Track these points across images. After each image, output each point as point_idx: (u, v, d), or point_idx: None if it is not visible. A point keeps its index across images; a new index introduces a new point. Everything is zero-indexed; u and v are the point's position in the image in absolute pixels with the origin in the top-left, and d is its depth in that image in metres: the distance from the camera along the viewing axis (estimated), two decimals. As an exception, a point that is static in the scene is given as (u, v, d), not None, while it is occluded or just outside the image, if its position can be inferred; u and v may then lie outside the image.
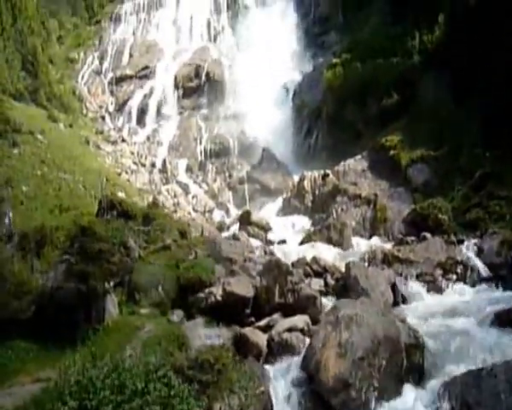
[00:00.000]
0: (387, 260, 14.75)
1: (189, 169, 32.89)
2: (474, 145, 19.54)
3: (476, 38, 20.88)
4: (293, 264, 13.92)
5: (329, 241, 18.71)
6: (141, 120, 38.71)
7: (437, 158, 20.95)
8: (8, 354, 8.67)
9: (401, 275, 13.76)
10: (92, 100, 40.19)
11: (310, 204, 24.01)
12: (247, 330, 11.01)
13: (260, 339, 10.73)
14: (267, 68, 37.38)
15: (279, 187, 27.89)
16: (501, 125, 18.21)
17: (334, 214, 21.48)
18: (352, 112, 28.96)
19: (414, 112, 24.38)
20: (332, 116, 30.37)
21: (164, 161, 32.82)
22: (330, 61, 33.32)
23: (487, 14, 19.91)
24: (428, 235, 15.79)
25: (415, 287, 13.13)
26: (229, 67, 39.78)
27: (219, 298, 11.85)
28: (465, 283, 13.32)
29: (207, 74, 39.43)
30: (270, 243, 20.19)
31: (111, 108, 40.52)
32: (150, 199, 26.63)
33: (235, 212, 27.17)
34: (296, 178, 26.85)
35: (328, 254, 17.14)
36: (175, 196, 28.68)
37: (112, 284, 11.32)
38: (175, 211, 24.83)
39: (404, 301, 12.77)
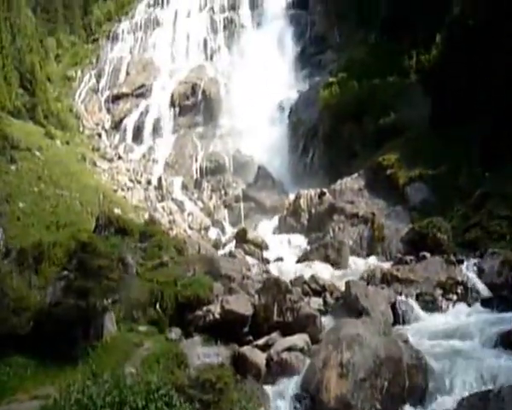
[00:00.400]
0: (387, 279, 14.71)
1: (184, 187, 32.95)
2: (473, 164, 19.70)
3: (474, 58, 21.21)
4: (291, 282, 13.86)
5: (327, 260, 18.69)
6: (137, 138, 38.89)
7: (435, 177, 21.07)
8: (6, 371, 8.55)
9: (401, 295, 13.72)
10: (89, 117, 40.39)
11: (306, 223, 24.01)
12: (246, 349, 10.92)
13: (259, 358, 10.63)
14: (263, 87, 37.71)
15: (275, 205, 27.93)
16: (500, 145, 18.42)
17: (331, 233, 21.49)
18: (348, 131, 29.19)
19: (411, 131, 24.63)
20: (328, 135, 30.61)
21: (159, 179, 32.87)
22: (327, 80, 33.69)
23: (485, 36, 20.24)
24: (428, 254, 15.75)
25: (415, 307, 13.08)
26: (225, 85, 40.18)
27: (218, 316, 11.78)
28: (466, 303, 13.27)
29: (203, 92, 39.80)
30: (267, 261, 20.14)
31: (107, 126, 40.71)
32: (146, 216, 26.62)
33: (230, 230, 27.15)
34: (292, 196, 26.90)
35: (325, 272, 17.13)
36: (170, 213, 28.66)
37: (109, 300, 11.22)
38: (170, 228, 24.77)
39: (404, 321, 12.72)
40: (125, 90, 42.89)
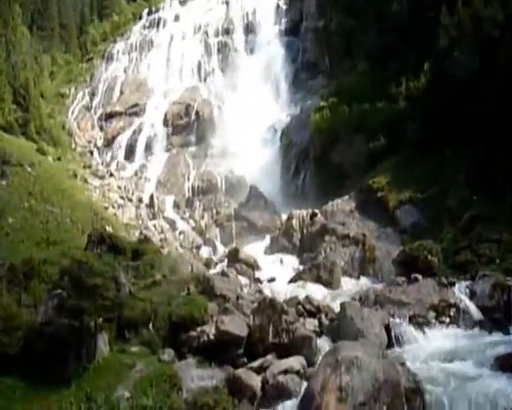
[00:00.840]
0: (379, 300, 14.51)
1: (176, 205, 32.63)
2: (461, 188, 19.83)
3: (460, 89, 21.57)
4: (285, 303, 13.57)
5: (319, 280, 18.46)
6: (129, 156, 38.64)
7: (425, 200, 21.17)
8: (-7, 393, 8.07)
9: (394, 317, 13.53)
10: (81, 135, 40.08)
11: (298, 243, 23.83)
12: (241, 372, 10.59)
13: (254, 381, 10.31)
14: (256, 109, 37.97)
15: (266, 225, 27.73)
16: (488, 170, 18.59)
17: (323, 254, 21.31)
18: (339, 153, 29.39)
19: (401, 155, 24.81)
20: (319, 157, 30.76)
21: (151, 197, 32.53)
22: (318, 104, 34.00)
23: (474, 66, 20.61)
24: (419, 276, 15.65)
25: (408, 329, 12.88)
26: (218, 106, 40.33)
27: (212, 337, 11.44)
28: (458, 326, 13.15)
29: (197, 113, 39.86)
30: (259, 281, 19.83)
31: (99, 143, 40.43)
32: (137, 234, 26.20)
33: (222, 249, 26.82)
34: (284, 216, 26.79)
35: (318, 293, 16.90)
36: (162, 231, 28.26)
37: (101, 320, 10.82)
38: (162, 247, 24.34)
39: (399, 343, 12.50)
40: (118, 108, 42.77)
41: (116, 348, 10.84)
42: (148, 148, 38.56)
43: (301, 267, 20.66)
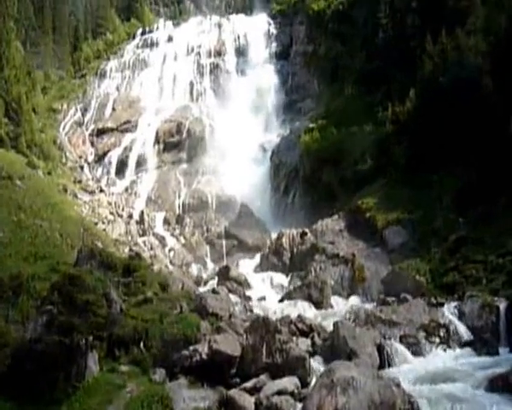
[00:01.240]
0: (370, 320, 14.31)
1: (166, 222, 32.22)
2: (448, 211, 19.97)
3: (445, 114, 21.90)
4: (278, 322, 13.28)
5: (309, 299, 18.26)
6: (120, 172, 38.23)
7: (412, 221, 21.26)
8: (-23, 415, 7.60)
9: (385, 337, 13.35)
10: (72, 150, 39.58)
11: (288, 261, 23.63)
12: (234, 393, 10.24)
13: (248, 402, 9.97)
14: (246, 129, 38.21)
15: (256, 243, 27.53)
16: (473, 193, 18.77)
17: (313, 273, 21.11)
18: (327, 174, 29.54)
19: (388, 177, 24.99)
20: (309, 177, 30.89)
21: (141, 213, 32.09)
22: (307, 126, 34.31)
23: (457, 92, 20.95)
24: (409, 296, 15.58)
25: (400, 349, 12.69)
26: (209, 125, 40.34)
27: (205, 356, 11.07)
28: (449, 346, 13.01)
29: (188, 131, 39.77)
30: (249, 299, 19.52)
31: (90, 159, 39.97)
32: (126, 250, 25.70)
33: (212, 266, 26.47)
34: (274, 235, 26.61)
35: (308, 312, 16.71)
36: (151, 248, 27.78)
37: (91, 337, 10.40)
38: (152, 263, 23.86)
39: (390, 363, 12.29)
40: (110, 124, 42.46)
41: (106, 367, 10.39)
42: (139, 164, 38.20)
43: (291, 286, 20.44)
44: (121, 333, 11.28)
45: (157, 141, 39.47)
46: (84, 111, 44.55)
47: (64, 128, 42.38)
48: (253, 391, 10.27)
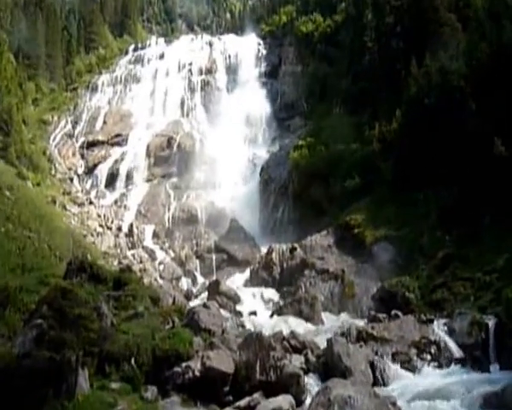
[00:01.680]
0: (362, 337, 14.05)
1: (155, 235, 31.66)
2: (434, 228, 19.97)
3: (430, 134, 22.09)
4: (271, 338, 12.91)
5: (300, 314, 17.98)
6: (110, 184, 37.67)
7: (399, 238, 21.18)
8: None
9: (377, 354, 13.09)
10: (62, 161, 38.89)
11: (278, 277, 23.34)
12: (228, 411, 9.82)
13: (242, 421, 9.56)
14: (236, 145, 38.21)
15: (246, 258, 27.17)
16: (457, 212, 18.82)
17: (303, 288, 20.87)
18: (316, 190, 29.56)
19: (376, 193, 25.03)
20: (298, 193, 30.85)
21: (131, 226, 31.52)
22: (296, 143, 34.40)
23: (442, 113, 21.19)
24: (399, 313, 15.38)
25: (392, 367, 12.44)
26: (200, 140, 40.19)
27: (198, 373, 10.60)
28: (440, 363, 12.80)
29: (179, 146, 39.53)
30: (240, 314, 19.12)
31: (80, 171, 39.31)
32: (115, 263, 25.10)
33: (202, 280, 25.98)
34: (263, 249, 26.36)
35: (300, 328, 16.34)
36: (141, 261, 27.20)
37: (81, 353, 9.88)
38: (141, 277, 23.27)
39: (383, 381, 12.01)
40: (100, 137, 41.95)
41: (96, 384, 9.86)
42: (129, 177, 37.71)
43: (281, 301, 20.14)
44: (112, 349, 10.74)
45: (148, 155, 39.11)
46: (75, 123, 43.98)
47: (54, 140, 41.71)
48: (247, 410, 9.87)
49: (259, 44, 51.36)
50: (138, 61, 52.09)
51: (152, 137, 40.51)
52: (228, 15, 79.72)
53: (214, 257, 27.21)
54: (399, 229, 21.86)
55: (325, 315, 18.28)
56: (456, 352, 13.14)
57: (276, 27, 53.62)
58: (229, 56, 49.69)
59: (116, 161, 38.97)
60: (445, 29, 26.81)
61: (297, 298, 18.65)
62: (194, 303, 20.18)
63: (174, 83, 47.29)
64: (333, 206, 27.54)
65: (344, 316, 18.21)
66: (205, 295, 21.38)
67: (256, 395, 10.26)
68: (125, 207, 34.57)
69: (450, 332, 13.87)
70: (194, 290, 23.83)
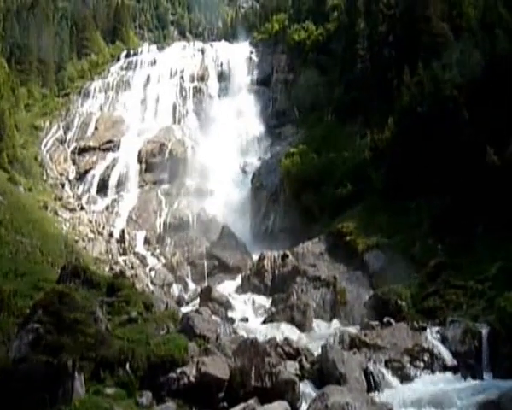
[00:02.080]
0: (355, 344, 14.09)
1: (147, 241, 31.47)
2: (426, 236, 20.11)
3: (423, 143, 22.31)
4: (266, 344, 12.88)
5: (292, 321, 17.94)
6: (101, 190, 37.36)
7: (391, 246, 21.26)
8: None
9: (370, 360, 13.12)
10: (54, 167, 38.50)
11: (269, 283, 23.30)
12: (223, 417, 9.78)
13: (237, 428, 9.52)
14: (228, 152, 38.19)
15: (238, 265, 27.09)
16: (450, 221, 18.99)
17: (295, 295, 20.82)
18: (308, 198, 29.50)
19: (367, 201, 25.14)
20: (289, 200, 30.85)
21: (122, 232, 31.28)
22: (287, 150, 34.43)
23: (434, 122, 21.42)
24: (392, 320, 15.45)
25: (386, 374, 12.48)
26: (191, 147, 40.14)
27: (193, 379, 10.58)
28: (433, 370, 12.85)
29: (171, 152, 39.43)
30: (231, 320, 19.04)
31: (72, 176, 38.95)
32: (107, 269, 24.88)
33: (193, 287, 25.84)
34: (255, 256, 26.30)
35: (292, 334, 16.30)
36: (132, 267, 26.97)
37: (77, 358, 9.76)
38: (133, 283, 23.09)
39: (377, 388, 12.04)
40: (92, 143, 41.65)
41: (91, 389, 9.77)
42: (121, 183, 37.44)
43: (273, 308, 20.10)
44: (106, 354, 10.66)
45: (139, 161, 38.92)
46: (67, 129, 43.63)
47: (46, 145, 41.32)
48: (243, 416, 9.84)
49: (251, 52, 51.58)
50: (130, 67, 51.97)
51: (143, 143, 40.36)
52: (220, 23, 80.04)
53: (206, 264, 27.08)
54: (391, 237, 21.93)
55: (317, 322, 18.30)
56: (450, 360, 13.21)
57: (268, 35, 53.89)
58: (221, 64, 49.84)
59: (107, 167, 38.72)
60: (437, 39, 27.13)
61: (289, 305, 18.63)
62: (186, 310, 20.04)
63: (166, 89, 47.24)
64: (324, 213, 27.56)
65: (335, 323, 18.24)
66: (196, 301, 21.27)
67: (251, 402, 10.24)
68: (116, 213, 34.32)
69: (443, 340, 13.95)
70: (186, 297, 23.70)
